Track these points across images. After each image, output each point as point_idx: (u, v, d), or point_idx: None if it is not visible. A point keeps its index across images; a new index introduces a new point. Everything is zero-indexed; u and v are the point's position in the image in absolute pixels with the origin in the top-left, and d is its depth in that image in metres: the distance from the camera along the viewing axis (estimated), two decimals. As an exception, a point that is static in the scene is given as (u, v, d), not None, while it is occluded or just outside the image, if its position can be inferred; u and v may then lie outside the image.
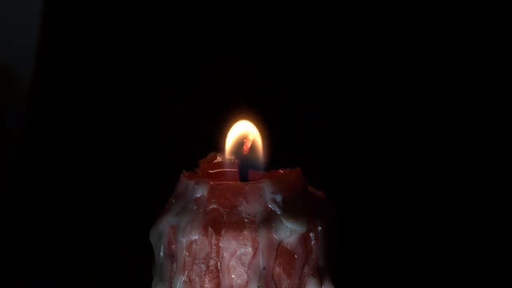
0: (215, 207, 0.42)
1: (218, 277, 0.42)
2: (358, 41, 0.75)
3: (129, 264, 0.69)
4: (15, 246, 0.72)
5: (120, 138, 0.75)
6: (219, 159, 0.46)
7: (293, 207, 0.42)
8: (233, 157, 0.46)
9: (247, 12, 0.75)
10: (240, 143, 0.47)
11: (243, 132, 0.47)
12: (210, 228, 0.41)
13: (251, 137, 0.46)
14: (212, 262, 0.42)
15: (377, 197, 0.73)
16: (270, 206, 0.42)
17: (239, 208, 0.42)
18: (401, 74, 0.74)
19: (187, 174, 0.44)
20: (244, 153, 0.46)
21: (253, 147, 0.47)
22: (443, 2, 0.73)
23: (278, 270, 0.42)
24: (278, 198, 0.42)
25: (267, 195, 0.42)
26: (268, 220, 0.41)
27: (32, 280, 0.70)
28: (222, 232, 0.41)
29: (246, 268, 0.41)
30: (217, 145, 0.48)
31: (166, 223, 0.43)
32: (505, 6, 0.72)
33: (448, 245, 0.71)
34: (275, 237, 0.41)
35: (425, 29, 0.74)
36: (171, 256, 0.43)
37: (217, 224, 0.42)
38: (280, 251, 0.42)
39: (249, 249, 0.41)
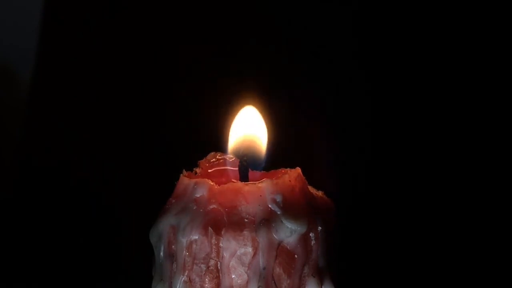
0: (215, 207, 0.42)
1: (218, 277, 0.42)
2: (358, 41, 0.75)
3: (129, 264, 0.69)
4: (14, 247, 0.73)
5: (120, 138, 0.75)
6: (218, 158, 0.46)
7: (293, 207, 0.42)
8: (233, 157, 0.46)
9: (245, 13, 0.75)
10: (242, 145, 0.47)
11: (247, 134, 0.47)
12: (210, 228, 0.41)
13: (252, 138, 0.47)
14: (212, 262, 0.42)
15: (377, 197, 0.73)
16: (270, 206, 0.42)
17: (239, 208, 0.42)
18: (402, 74, 0.74)
19: (187, 174, 0.44)
20: (245, 154, 0.46)
21: (253, 147, 0.47)
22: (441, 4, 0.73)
23: (278, 270, 0.42)
24: (278, 198, 0.42)
25: (267, 195, 0.42)
26: (268, 220, 0.41)
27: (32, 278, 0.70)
28: (222, 232, 0.41)
29: (246, 268, 0.41)
30: (219, 144, 0.48)
31: (166, 223, 0.43)
32: (505, 6, 0.72)
33: (448, 245, 0.71)
34: (275, 237, 0.41)
35: (425, 29, 0.74)
36: (171, 256, 0.43)
37: (217, 224, 0.42)
38: (280, 251, 0.42)
39: (249, 249, 0.41)
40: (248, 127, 0.47)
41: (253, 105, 0.48)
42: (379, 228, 0.72)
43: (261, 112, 0.48)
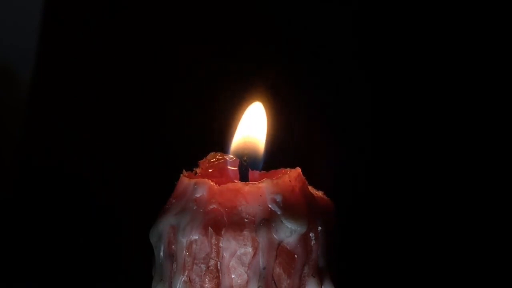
0: (215, 207, 0.42)
1: (218, 277, 0.42)
2: (358, 41, 0.75)
3: (129, 264, 0.69)
4: (14, 247, 0.73)
5: (120, 138, 0.75)
6: (218, 158, 0.46)
7: (293, 207, 0.42)
8: (233, 157, 0.46)
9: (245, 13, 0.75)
10: (242, 145, 0.47)
11: (248, 136, 0.47)
12: (210, 228, 0.41)
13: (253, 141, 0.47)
14: (212, 262, 0.42)
15: (377, 197, 0.73)
16: (270, 206, 0.42)
17: (239, 208, 0.42)
18: (402, 74, 0.74)
19: (187, 174, 0.44)
20: (245, 154, 0.46)
21: (253, 147, 0.47)
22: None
23: (278, 270, 0.42)
24: (278, 198, 0.42)
25: (267, 195, 0.42)
26: (268, 220, 0.41)
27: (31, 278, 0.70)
28: (222, 232, 0.41)
29: (246, 268, 0.41)
30: (219, 144, 0.48)
31: (166, 223, 0.43)
32: (505, 6, 0.72)
33: (448, 245, 0.71)
34: (275, 237, 0.41)
35: (425, 29, 0.74)
36: (171, 256, 0.43)
37: (217, 224, 0.42)
38: (280, 251, 0.42)
39: (249, 249, 0.41)
40: (251, 126, 0.47)
41: (252, 103, 0.48)
42: (379, 228, 0.72)
43: (259, 112, 0.48)
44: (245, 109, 0.48)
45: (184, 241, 0.42)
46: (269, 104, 0.50)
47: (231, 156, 0.46)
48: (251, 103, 0.48)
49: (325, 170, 0.65)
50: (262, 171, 0.46)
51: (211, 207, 0.42)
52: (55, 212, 0.74)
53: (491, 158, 0.72)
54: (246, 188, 0.42)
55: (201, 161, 0.46)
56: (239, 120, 0.48)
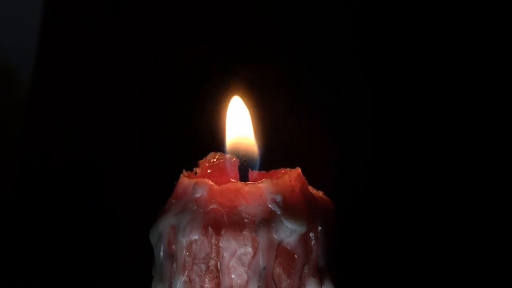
0: (215, 207, 0.42)
1: (218, 277, 0.42)
2: (358, 41, 0.75)
3: (129, 264, 0.69)
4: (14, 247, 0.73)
5: (120, 138, 0.75)
6: (218, 158, 0.46)
7: (293, 207, 0.42)
8: (233, 157, 0.46)
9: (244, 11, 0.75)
10: (240, 145, 0.47)
11: (243, 135, 0.47)
12: (210, 228, 0.41)
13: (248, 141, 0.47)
14: (212, 262, 0.42)
15: (377, 197, 0.73)
16: (270, 206, 0.42)
17: (239, 208, 0.42)
18: (402, 74, 0.74)
19: (187, 174, 0.44)
20: (244, 154, 0.46)
21: (250, 147, 0.47)
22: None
23: (278, 270, 0.42)
24: (278, 198, 0.42)
25: (267, 195, 0.42)
26: (268, 220, 0.41)
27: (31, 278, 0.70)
28: (222, 232, 0.41)
29: (246, 268, 0.41)
30: (218, 144, 0.48)
31: (166, 223, 0.43)
32: (505, 6, 0.72)
33: (448, 245, 0.71)
34: (275, 237, 0.41)
35: (425, 29, 0.74)
36: (171, 256, 0.43)
37: (217, 224, 0.42)
38: (280, 251, 0.42)
39: (249, 249, 0.41)
40: (241, 125, 0.47)
41: (250, 103, 0.48)
42: (379, 228, 0.72)
43: (261, 112, 0.48)
44: (234, 107, 0.48)
45: (184, 241, 0.42)
46: (268, 104, 0.50)
47: (231, 156, 0.46)
48: (247, 102, 0.48)
49: (325, 170, 0.65)
50: (262, 171, 0.46)
51: (211, 207, 0.42)
52: (55, 212, 0.74)
53: (491, 158, 0.72)
54: (246, 188, 0.42)
55: (201, 161, 0.46)
56: (228, 118, 0.48)
